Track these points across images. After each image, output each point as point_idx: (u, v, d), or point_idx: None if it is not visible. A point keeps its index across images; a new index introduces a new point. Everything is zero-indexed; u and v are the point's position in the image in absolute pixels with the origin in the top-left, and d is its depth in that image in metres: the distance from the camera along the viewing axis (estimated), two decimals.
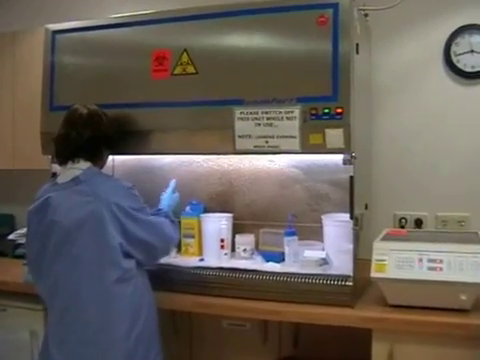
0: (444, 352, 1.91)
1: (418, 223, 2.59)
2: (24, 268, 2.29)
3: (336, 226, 2.26)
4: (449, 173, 2.57)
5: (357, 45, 2.14)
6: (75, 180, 1.98)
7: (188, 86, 2.27)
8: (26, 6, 3.39)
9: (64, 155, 2.04)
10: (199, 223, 2.50)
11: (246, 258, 2.39)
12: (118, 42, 2.41)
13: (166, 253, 2.19)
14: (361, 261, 2.13)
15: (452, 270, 1.94)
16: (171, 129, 2.31)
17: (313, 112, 2.07)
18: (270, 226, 2.46)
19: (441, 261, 1.96)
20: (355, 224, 2.10)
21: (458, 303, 1.94)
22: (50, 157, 2.36)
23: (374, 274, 2.02)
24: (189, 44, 2.27)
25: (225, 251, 2.40)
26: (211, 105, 2.23)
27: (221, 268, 2.29)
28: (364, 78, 2.41)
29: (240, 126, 2.18)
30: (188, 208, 2.53)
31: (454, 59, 2.54)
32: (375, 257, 2.04)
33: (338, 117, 2.04)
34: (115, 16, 2.48)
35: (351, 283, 2.08)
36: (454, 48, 2.54)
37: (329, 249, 2.26)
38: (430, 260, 1.98)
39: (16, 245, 3.05)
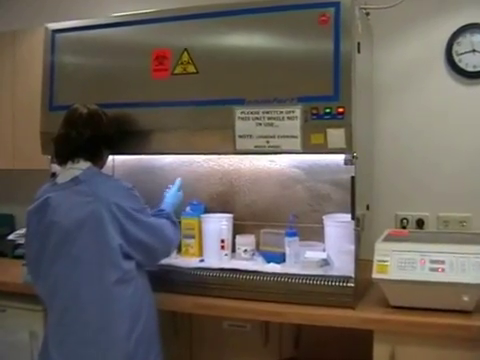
0: (446, 354, 1.90)
1: (420, 223, 2.59)
2: (24, 268, 2.28)
3: (337, 227, 2.25)
4: (451, 173, 2.56)
5: (359, 44, 2.13)
6: (75, 180, 1.97)
7: (188, 86, 2.26)
8: (26, 5, 3.39)
9: (64, 155, 2.03)
10: (199, 223, 2.49)
11: (247, 259, 2.38)
12: (118, 41, 2.41)
13: (166, 255, 2.18)
14: (362, 262, 2.12)
15: (454, 271, 1.93)
16: (171, 129, 2.31)
17: (314, 112, 2.06)
18: (271, 226, 2.45)
19: (443, 262, 1.96)
20: (356, 225, 2.09)
21: (460, 304, 1.94)
22: (50, 157, 2.35)
23: (376, 275, 2.01)
24: (189, 43, 2.26)
25: (225, 252, 2.39)
26: (212, 105, 2.22)
27: (222, 269, 2.28)
28: (366, 77, 2.40)
29: (241, 126, 2.18)
30: (188, 208, 2.52)
31: (456, 58, 2.53)
32: (377, 258, 2.03)
33: (339, 117, 2.03)
34: (115, 15, 2.48)
35: (352, 284, 2.07)
36: (456, 47, 2.53)
37: (330, 250, 2.25)
38: (432, 261, 1.97)
39: (16, 245, 3.05)
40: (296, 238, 2.29)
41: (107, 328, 1.89)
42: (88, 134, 2.02)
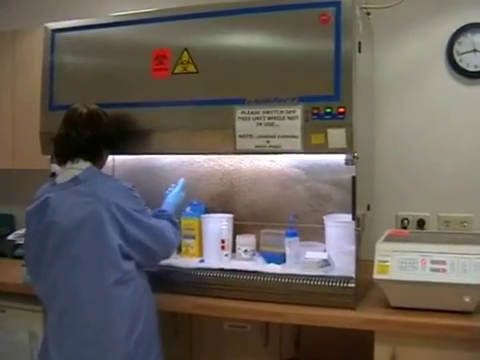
0: (447, 355, 1.89)
1: (420, 224, 2.58)
2: (23, 269, 2.28)
3: (338, 227, 2.24)
4: (452, 173, 2.56)
5: (359, 44, 2.12)
6: (74, 180, 1.96)
7: (188, 85, 2.25)
8: (26, 5, 3.39)
9: (63, 155, 2.03)
10: (200, 224, 2.48)
11: (247, 259, 2.38)
12: (118, 41, 2.40)
13: (166, 257, 2.17)
14: (363, 262, 2.11)
15: (455, 272, 1.93)
16: (171, 129, 2.30)
17: (315, 112, 2.06)
18: (271, 227, 2.45)
19: (444, 262, 1.95)
20: (357, 225, 2.08)
21: (461, 305, 1.93)
22: (49, 157, 2.35)
23: (376, 275, 2.00)
24: (190, 43, 2.25)
25: (226, 252, 2.39)
26: (212, 104, 2.22)
27: (222, 269, 2.28)
28: (366, 77, 2.39)
29: (241, 126, 2.17)
30: (189, 208, 2.51)
31: (457, 58, 2.53)
32: (377, 258, 2.02)
33: (340, 117, 2.03)
34: (115, 15, 2.47)
35: (353, 285, 2.06)
36: (457, 47, 2.53)
37: (331, 250, 2.24)
38: (433, 261, 1.96)
39: (15, 245, 3.04)
40: (296, 238, 2.28)
41: (107, 329, 1.89)
42: (88, 134, 2.02)
